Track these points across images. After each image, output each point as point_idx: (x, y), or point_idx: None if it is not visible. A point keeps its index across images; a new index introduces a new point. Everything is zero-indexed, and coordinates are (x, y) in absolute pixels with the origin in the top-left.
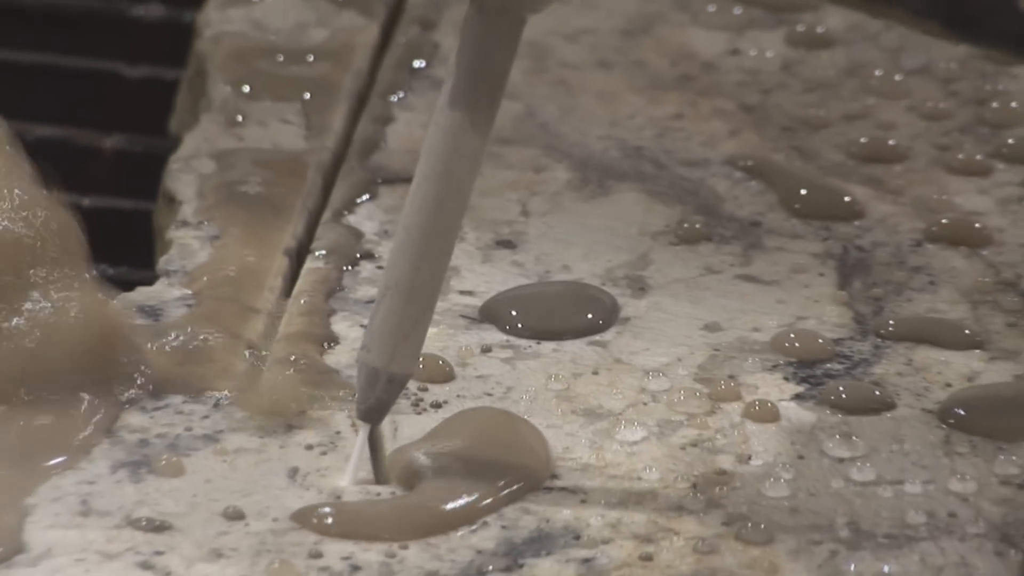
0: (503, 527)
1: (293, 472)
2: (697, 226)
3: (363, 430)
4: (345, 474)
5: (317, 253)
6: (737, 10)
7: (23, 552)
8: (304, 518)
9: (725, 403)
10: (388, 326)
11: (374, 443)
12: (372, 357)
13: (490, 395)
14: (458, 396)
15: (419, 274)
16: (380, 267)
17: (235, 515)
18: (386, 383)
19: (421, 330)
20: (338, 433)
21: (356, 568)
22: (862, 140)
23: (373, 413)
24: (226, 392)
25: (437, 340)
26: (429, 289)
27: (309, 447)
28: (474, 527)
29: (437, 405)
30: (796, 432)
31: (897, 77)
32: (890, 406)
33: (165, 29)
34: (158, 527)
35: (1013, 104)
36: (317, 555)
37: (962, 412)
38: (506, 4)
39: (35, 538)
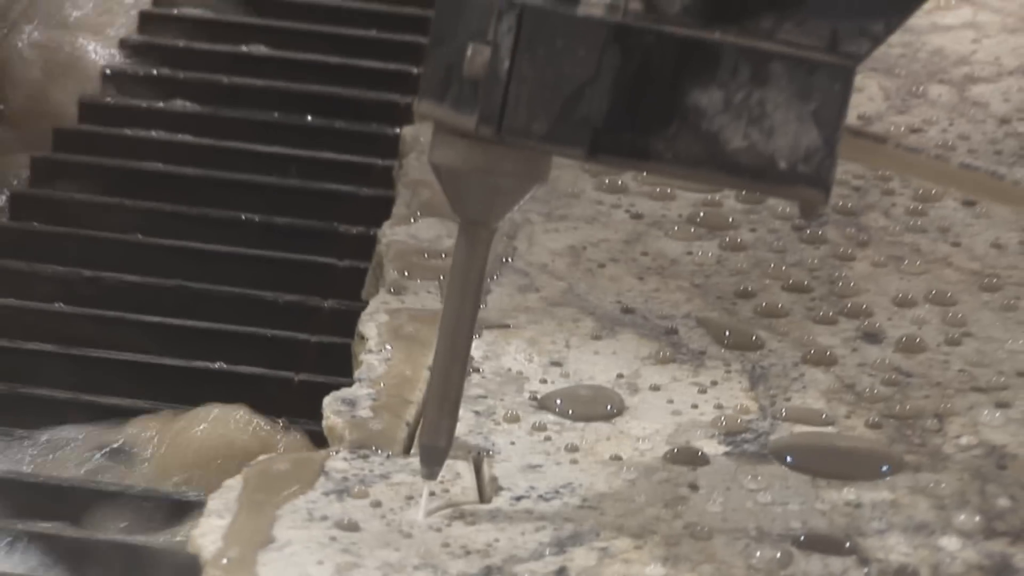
0: None
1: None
2: (668, 353)
3: (426, 484)
4: (420, 510)
5: None
6: (691, 229)
7: (272, 543)
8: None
9: (682, 456)
10: (427, 417)
11: (479, 470)
12: (420, 436)
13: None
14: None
15: (442, 386)
16: (484, 377)
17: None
18: (427, 451)
19: (448, 419)
20: (458, 474)
21: None
22: (764, 304)
23: (426, 474)
24: (391, 450)
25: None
26: (450, 398)
27: (441, 481)
28: None
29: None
30: (725, 473)
31: (783, 268)
32: (783, 460)
33: (360, 238)
34: (350, 527)
35: (852, 283)
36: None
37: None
38: (477, 218)
39: (280, 534)
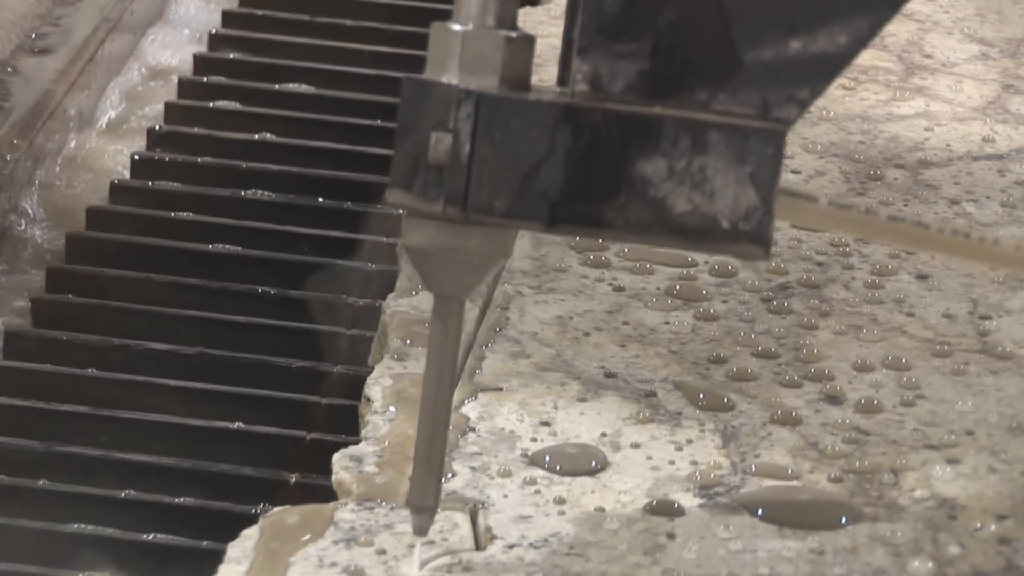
0: None
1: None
2: (647, 414)
3: (419, 540)
4: (414, 563)
5: (450, 427)
6: (668, 300)
7: None
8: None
9: (660, 508)
10: (414, 479)
11: (475, 520)
12: (409, 497)
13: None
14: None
15: (426, 449)
16: (480, 436)
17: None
18: (415, 512)
19: (434, 480)
20: (456, 524)
21: None
22: (735, 369)
23: (417, 531)
24: (394, 502)
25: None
26: (435, 459)
27: (440, 531)
28: None
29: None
30: (699, 523)
31: (752, 336)
32: (752, 511)
33: (367, 309)
34: (357, 573)
35: (815, 350)
36: None
37: (759, 510)
38: (448, 293)
39: None
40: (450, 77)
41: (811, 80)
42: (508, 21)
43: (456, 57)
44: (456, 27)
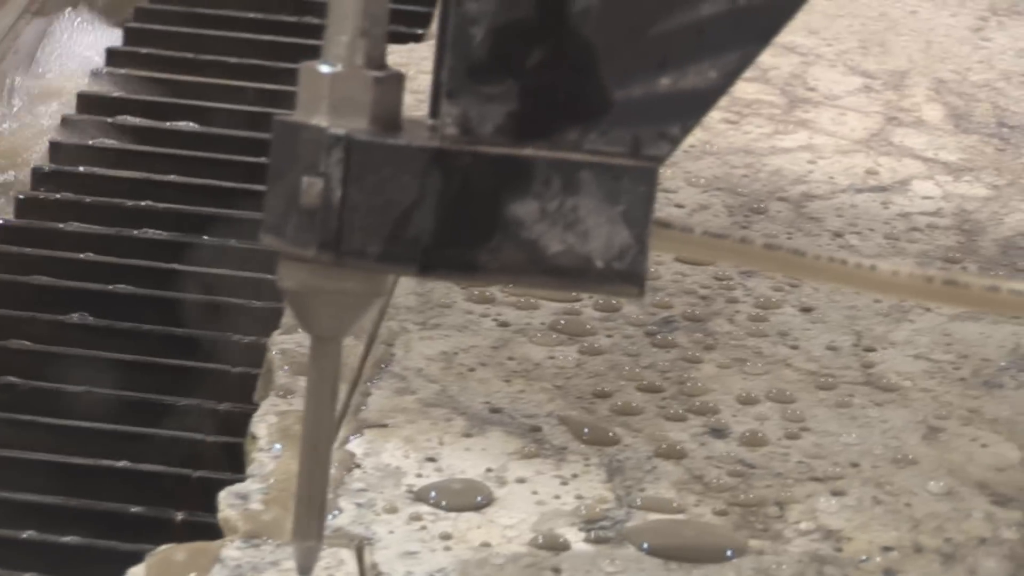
0: None
1: None
2: (532, 449)
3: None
4: None
5: (334, 464)
6: (552, 335)
7: None
8: None
9: (546, 543)
10: (297, 518)
11: (360, 557)
12: (293, 536)
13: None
14: None
15: (308, 488)
16: (365, 472)
17: None
18: (299, 551)
19: (316, 519)
20: (342, 561)
21: None
22: (619, 403)
23: (301, 570)
24: (281, 539)
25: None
26: (317, 499)
27: (326, 567)
28: None
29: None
30: (585, 558)
31: (636, 370)
32: (638, 545)
33: (252, 347)
34: None
35: (700, 383)
36: None
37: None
38: (325, 331)
39: None
40: (320, 120)
41: (682, 117)
42: (377, 60)
43: (325, 99)
44: (324, 68)
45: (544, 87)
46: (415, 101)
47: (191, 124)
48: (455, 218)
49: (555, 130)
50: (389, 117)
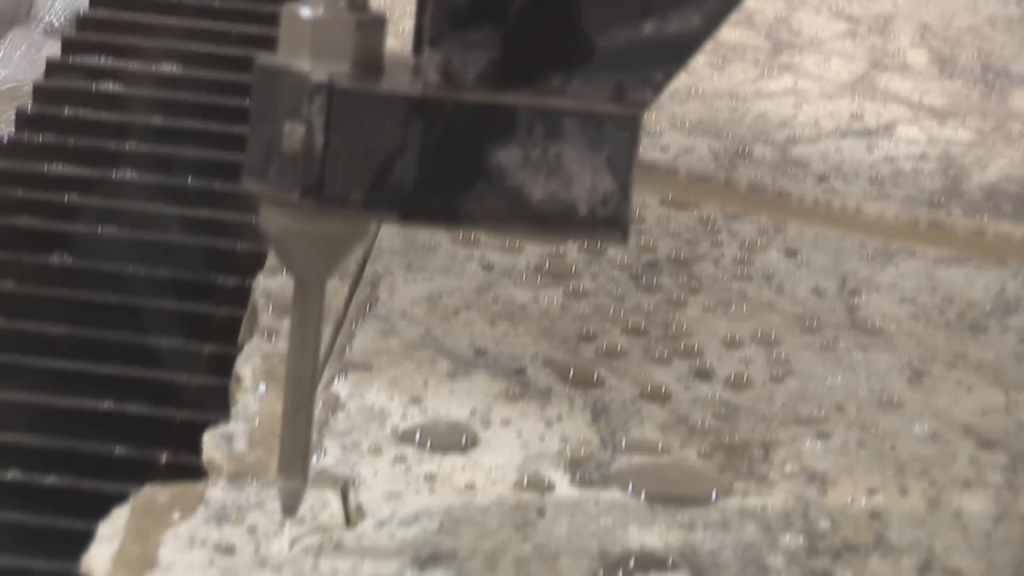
0: None
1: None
2: (517, 391)
3: (288, 520)
4: (284, 542)
5: (319, 405)
6: (537, 278)
7: (157, 565)
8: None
9: (531, 484)
10: (281, 460)
11: (345, 498)
12: (277, 478)
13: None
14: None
15: (292, 431)
16: (350, 414)
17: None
18: (283, 493)
19: (301, 461)
20: (326, 502)
21: None
22: (604, 345)
23: (285, 511)
24: (265, 480)
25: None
26: (300, 441)
27: (311, 508)
28: None
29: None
30: (570, 499)
31: (622, 313)
32: (623, 487)
33: (236, 289)
34: (228, 550)
35: (685, 326)
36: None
37: (629, 485)
38: (308, 274)
39: (164, 558)
40: (302, 64)
41: (665, 63)
42: (359, 3)
43: (307, 43)
44: (306, 11)
45: (527, 33)
46: (399, 44)
47: (174, 67)
48: (437, 165)
49: (538, 77)
50: (372, 61)
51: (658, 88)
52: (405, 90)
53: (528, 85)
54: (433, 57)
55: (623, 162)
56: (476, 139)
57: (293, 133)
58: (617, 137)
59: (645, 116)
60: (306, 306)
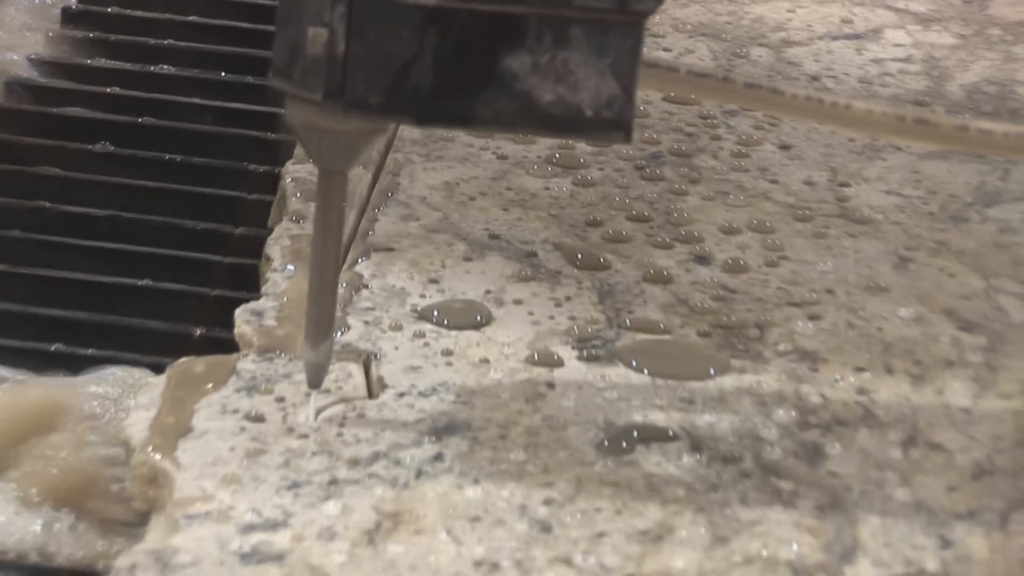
0: None
1: (324, 391)
2: (528, 273)
3: (314, 393)
4: (310, 413)
5: (343, 284)
6: (548, 168)
7: (191, 432)
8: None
9: (541, 360)
10: (307, 338)
11: (368, 370)
12: (302, 354)
13: (427, 346)
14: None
15: (316, 311)
16: (372, 292)
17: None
18: (309, 367)
19: (325, 338)
20: (350, 374)
21: None
22: (610, 231)
23: (311, 384)
24: (293, 354)
25: (393, 321)
26: (324, 320)
27: (335, 380)
28: None
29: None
30: (577, 374)
31: (626, 201)
32: (627, 363)
33: (267, 175)
34: (258, 418)
35: (685, 214)
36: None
37: (633, 362)
38: (331, 165)
39: (198, 425)
40: None
41: None
42: None
43: None
44: None
45: None
46: None
47: None
48: (452, 71)
49: None
50: None
51: None
52: (421, 1)
53: None
54: None
55: (626, 67)
56: (488, 46)
57: (316, 38)
58: (621, 44)
59: (649, 21)
60: (329, 194)
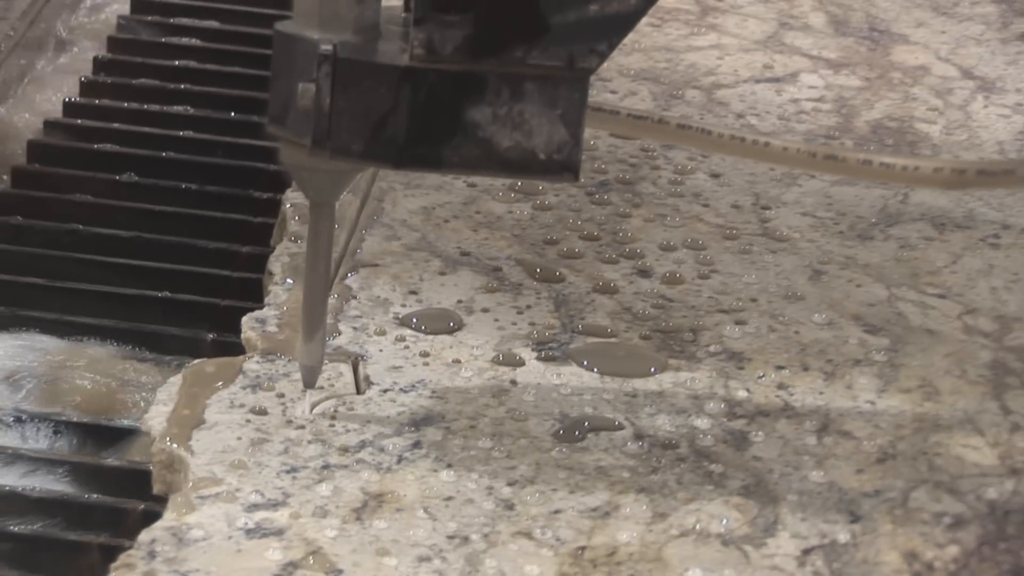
0: None
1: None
2: (494, 285)
3: (308, 391)
4: (306, 407)
5: (335, 296)
6: (511, 194)
7: (204, 423)
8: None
9: (505, 360)
10: (301, 344)
11: (356, 370)
12: (298, 357)
13: (407, 348)
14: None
15: (309, 321)
16: (360, 302)
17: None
18: (304, 370)
19: (318, 345)
20: (340, 373)
21: None
22: (565, 249)
23: (306, 385)
24: (292, 356)
25: (378, 327)
26: (318, 328)
27: (328, 378)
28: None
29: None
30: (536, 372)
31: (579, 222)
32: (579, 363)
33: (270, 201)
34: (261, 412)
35: (629, 233)
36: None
37: (584, 361)
38: (319, 198)
39: (209, 417)
40: (311, 33)
41: (609, 35)
42: None
43: (316, 15)
44: None
45: (495, 15)
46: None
47: (214, 23)
48: (423, 122)
49: (504, 49)
50: (369, 27)
51: (603, 56)
52: (396, 60)
53: (496, 56)
54: (418, 34)
55: (574, 117)
56: (454, 100)
57: (306, 92)
58: (569, 96)
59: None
60: (319, 222)
